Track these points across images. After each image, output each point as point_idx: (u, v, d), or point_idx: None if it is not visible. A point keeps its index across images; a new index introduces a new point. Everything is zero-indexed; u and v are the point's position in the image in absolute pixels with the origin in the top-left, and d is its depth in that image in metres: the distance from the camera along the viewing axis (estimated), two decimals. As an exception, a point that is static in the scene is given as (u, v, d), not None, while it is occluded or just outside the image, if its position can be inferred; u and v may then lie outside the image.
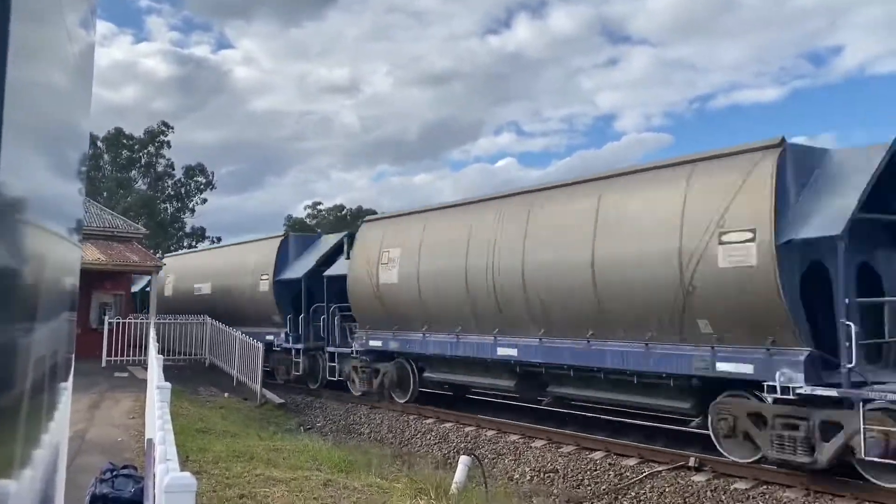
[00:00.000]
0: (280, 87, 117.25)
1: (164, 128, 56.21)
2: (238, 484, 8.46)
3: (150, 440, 6.00)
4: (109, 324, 21.15)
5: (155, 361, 11.72)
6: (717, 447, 10.64)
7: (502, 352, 14.21)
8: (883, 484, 8.91)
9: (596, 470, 11.72)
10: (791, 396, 9.53)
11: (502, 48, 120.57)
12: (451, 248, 15.33)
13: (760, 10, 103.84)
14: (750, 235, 9.88)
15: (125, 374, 19.53)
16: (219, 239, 56.96)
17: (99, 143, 54.91)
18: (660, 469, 11.12)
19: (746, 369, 10.15)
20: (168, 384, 7.40)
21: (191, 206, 58.40)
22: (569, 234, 12.70)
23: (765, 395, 9.88)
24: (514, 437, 13.86)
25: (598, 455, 12.21)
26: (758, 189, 10.00)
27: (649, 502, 10.40)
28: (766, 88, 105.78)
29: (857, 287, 9.96)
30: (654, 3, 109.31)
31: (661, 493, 10.50)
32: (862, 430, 8.87)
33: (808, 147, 10.81)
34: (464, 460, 10.23)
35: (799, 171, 10.21)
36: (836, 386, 9.23)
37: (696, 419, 11.88)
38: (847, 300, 9.30)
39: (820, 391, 9.31)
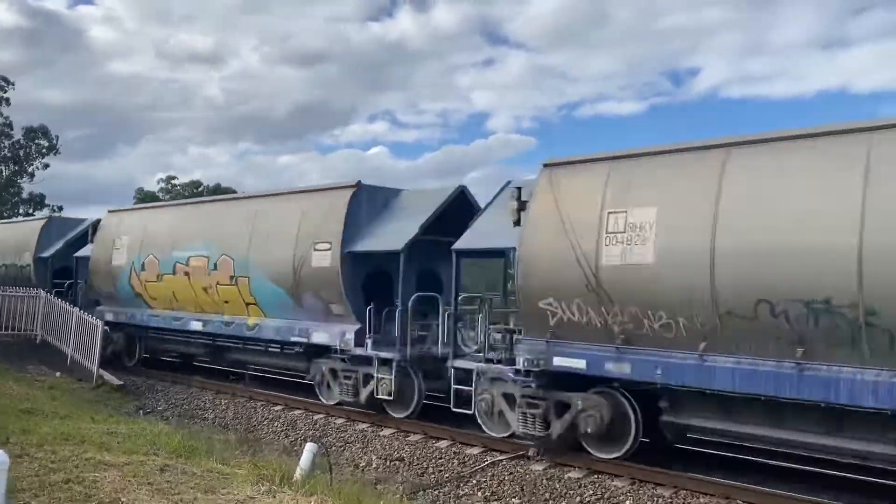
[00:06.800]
0: (141, 52, 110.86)
1: (2, 83, 51.43)
2: (65, 468, 7.94)
3: (-36, 419, 5.52)
4: (-75, 293, 19.25)
5: (-24, 335, 10.79)
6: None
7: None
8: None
9: (441, 458, 11.98)
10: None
11: (383, 36, 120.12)
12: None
13: (632, 26, 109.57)
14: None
15: (-59, 349, 17.87)
16: (60, 208, 52.79)
17: (-79, 94, 49.55)
18: (501, 458, 11.53)
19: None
20: (-12, 359, 6.83)
21: (30, 170, 53.71)
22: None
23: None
24: (362, 426, 13.90)
25: (443, 444, 12.49)
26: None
27: (489, 489, 10.77)
28: (627, 102, 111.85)
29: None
30: (535, 8, 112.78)
31: (501, 481, 10.90)
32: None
33: None
34: (309, 447, 10.11)
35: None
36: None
37: None
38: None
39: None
